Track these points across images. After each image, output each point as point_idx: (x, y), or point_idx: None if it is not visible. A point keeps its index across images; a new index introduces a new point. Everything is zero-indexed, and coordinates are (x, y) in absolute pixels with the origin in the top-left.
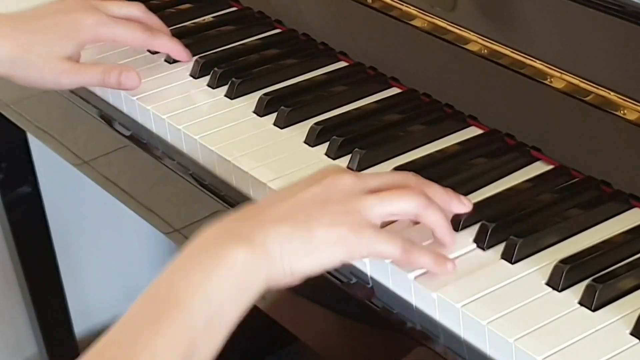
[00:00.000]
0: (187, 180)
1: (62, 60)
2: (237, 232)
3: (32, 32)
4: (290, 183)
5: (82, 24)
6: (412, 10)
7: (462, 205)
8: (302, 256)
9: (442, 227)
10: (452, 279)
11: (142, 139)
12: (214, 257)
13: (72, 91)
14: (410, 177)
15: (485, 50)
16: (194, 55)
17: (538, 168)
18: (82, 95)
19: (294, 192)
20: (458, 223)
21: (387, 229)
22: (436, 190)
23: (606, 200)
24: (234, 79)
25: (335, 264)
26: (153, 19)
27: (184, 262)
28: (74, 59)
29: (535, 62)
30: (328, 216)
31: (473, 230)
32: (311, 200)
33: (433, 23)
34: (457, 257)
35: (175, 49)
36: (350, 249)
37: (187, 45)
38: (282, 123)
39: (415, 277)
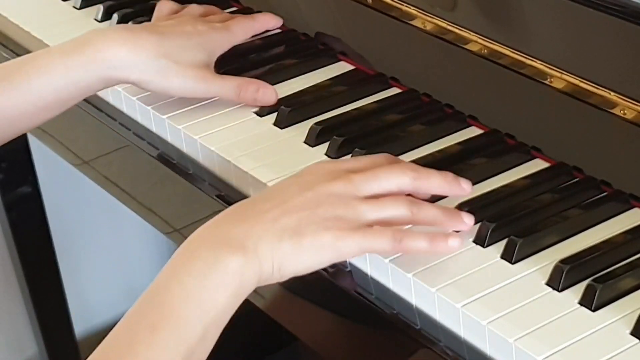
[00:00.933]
0: (187, 180)
1: (202, 67)
2: (229, 237)
3: (171, 39)
4: (279, 183)
5: (211, 38)
6: (412, 10)
7: (462, 188)
8: (292, 260)
9: (442, 218)
10: (453, 279)
11: (142, 139)
12: (208, 263)
13: None
14: (406, 172)
15: (485, 50)
16: None
17: (538, 168)
18: None
19: (285, 194)
20: None
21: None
22: (433, 176)
23: (606, 200)
24: None
25: (324, 266)
26: (225, 15)
27: (178, 266)
28: (212, 69)
29: (535, 62)
30: (318, 222)
31: (473, 230)
32: (302, 205)
33: (433, 23)
34: (456, 257)
35: (271, 21)
36: (339, 251)
37: None
38: (282, 123)
39: (414, 274)
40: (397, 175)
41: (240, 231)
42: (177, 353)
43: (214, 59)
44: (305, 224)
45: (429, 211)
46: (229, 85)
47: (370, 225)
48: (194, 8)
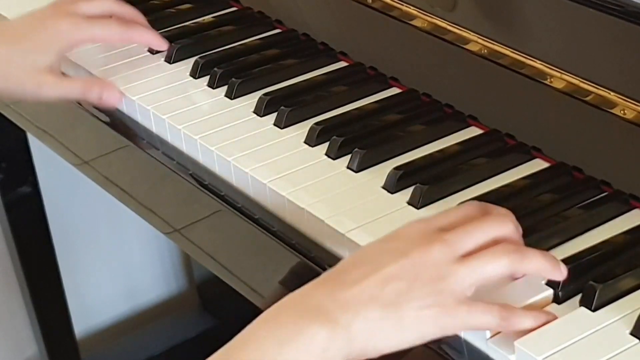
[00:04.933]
0: (187, 180)
1: (42, 72)
2: (318, 308)
3: (10, 43)
4: (370, 245)
5: (58, 31)
6: (412, 10)
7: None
8: (390, 339)
9: (547, 268)
10: None
11: (142, 139)
12: (292, 330)
13: None
14: (503, 231)
15: (485, 50)
16: (193, 55)
17: (538, 168)
18: None
19: (379, 262)
20: None
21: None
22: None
23: (606, 200)
24: (233, 79)
25: (423, 342)
26: (127, 10)
27: (258, 329)
28: (55, 68)
29: (535, 62)
30: (418, 297)
31: None
32: (400, 277)
33: (433, 23)
34: None
35: (154, 40)
36: (442, 328)
37: (187, 45)
38: (282, 123)
39: None
40: (493, 227)
41: (332, 302)
42: None
43: (62, 54)
44: (406, 299)
45: (533, 261)
46: (73, 86)
47: (471, 291)
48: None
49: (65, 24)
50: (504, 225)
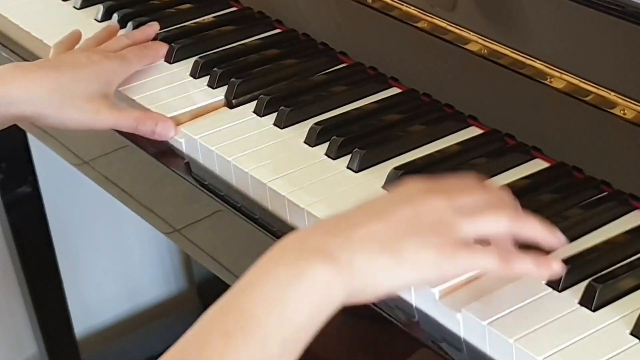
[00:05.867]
0: (187, 180)
1: (98, 99)
2: (319, 247)
3: (64, 72)
4: (372, 199)
5: (106, 68)
6: (412, 10)
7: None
8: (389, 275)
9: (544, 233)
10: (453, 281)
11: (142, 139)
12: (294, 271)
13: None
14: (500, 198)
15: (485, 50)
16: (193, 55)
17: (538, 168)
18: None
19: (381, 209)
20: None
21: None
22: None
23: (606, 200)
24: (233, 79)
25: (421, 284)
26: (137, 36)
27: (260, 272)
28: (111, 99)
29: (535, 62)
30: (418, 236)
31: None
32: (401, 220)
33: (433, 23)
34: None
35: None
36: (442, 269)
37: (187, 45)
38: (282, 123)
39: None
40: (492, 193)
41: (333, 242)
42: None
43: (112, 88)
44: (405, 238)
45: (531, 226)
46: (126, 118)
47: (470, 240)
48: (89, 40)
49: (112, 63)
50: (502, 193)
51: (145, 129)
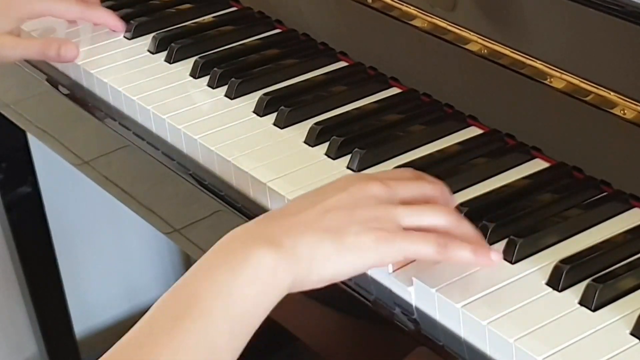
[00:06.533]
0: (187, 180)
1: (2, 35)
2: (264, 234)
3: None
4: (312, 190)
5: (7, 3)
6: (412, 10)
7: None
8: (332, 260)
9: (479, 240)
10: (452, 279)
11: (142, 139)
12: (240, 257)
13: (72, 91)
14: (437, 192)
15: (485, 50)
16: (193, 55)
17: (538, 168)
18: (82, 95)
19: (320, 199)
20: None
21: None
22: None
23: (606, 200)
24: (233, 78)
25: (365, 269)
26: None
27: (209, 260)
28: (14, 33)
29: (535, 62)
30: (358, 222)
31: None
32: (340, 207)
33: (433, 23)
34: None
35: (110, 20)
36: (382, 253)
37: (187, 45)
38: (282, 123)
39: (414, 275)
40: (426, 185)
41: (277, 229)
42: (199, 346)
43: (17, 23)
44: (346, 224)
45: (467, 225)
46: (33, 44)
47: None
48: None
49: None
50: (437, 186)
51: (50, 53)
